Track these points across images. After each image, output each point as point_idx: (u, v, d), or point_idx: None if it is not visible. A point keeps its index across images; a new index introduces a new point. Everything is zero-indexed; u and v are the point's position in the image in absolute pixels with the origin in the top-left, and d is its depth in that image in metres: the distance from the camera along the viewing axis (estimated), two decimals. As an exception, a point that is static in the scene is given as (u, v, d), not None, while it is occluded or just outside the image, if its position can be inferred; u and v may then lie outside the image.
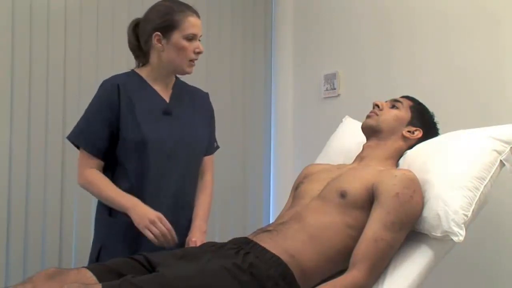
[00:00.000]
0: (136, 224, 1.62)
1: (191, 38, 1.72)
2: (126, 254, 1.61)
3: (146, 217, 1.61)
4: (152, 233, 1.60)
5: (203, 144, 1.88)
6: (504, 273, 1.80)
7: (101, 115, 1.73)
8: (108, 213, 1.75)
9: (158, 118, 1.76)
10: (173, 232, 1.63)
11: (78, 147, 1.77)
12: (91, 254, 1.80)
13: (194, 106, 1.87)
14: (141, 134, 1.70)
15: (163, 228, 1.60)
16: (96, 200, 1.82)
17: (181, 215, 1.79)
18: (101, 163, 1.75)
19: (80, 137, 1.75)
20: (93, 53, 2.60)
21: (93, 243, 1.82)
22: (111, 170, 1.76)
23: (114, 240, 1.73)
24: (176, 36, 1.70)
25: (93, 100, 1.77)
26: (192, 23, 1.72)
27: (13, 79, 2.42)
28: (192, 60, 1.75)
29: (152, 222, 1.60)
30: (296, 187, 1.73)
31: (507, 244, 1.80)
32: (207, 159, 1.92)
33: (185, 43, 1.71)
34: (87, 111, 1.77)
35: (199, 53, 1.75)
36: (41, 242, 2.46)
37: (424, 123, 1.71)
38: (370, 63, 2.49)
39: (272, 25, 3.19)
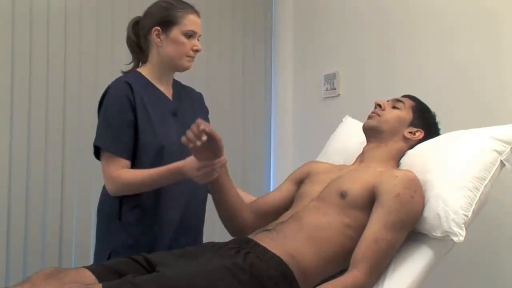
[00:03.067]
0: (193, 177, 1.55)
1: (190, 35, 1.73)
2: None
3: (192, 175, 1.54)
4: (204, 178, 1.54)
5: None
6: (504, 273, 1.80)
7: (123, 116, 1.67)
8: (118, 218, 1.71)
9: (168, 120, 1.76)
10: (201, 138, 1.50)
11: (97, 155, 1.72)
12: (99, 257, 1.74)
13: (193, 106, 1.88)
14: (158, 139, 1.70)
15: (207, 169, 1.52)
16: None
17: (193, 215, 1.79)
18: (129, 163, 1.69)
19: (110, 143, 1.67)
20: (93, 53, 2.60)
21: (100, 250, 1.76)
22: None
23: (126, 243, 1.69)
24: (175, 32, 1.71)
25: (109, 103, 1.70)
26: (192, 21, 1.73)
27: (13, 79, 2.42)
28: (189, 56, 1.75)
29: (197, 176, 1.53)
30: (298, 186, 1.73)
31: (507, 244, 1.80)
32: None
33: (183, 39, 1.72)
34: (107, 115, 1.69)
35: (197, 51, 1.75)
36: (41, 242, 2.46)
37: (426, 124, 1.70)
38: (370, 63, 2.49)
39: (272, 25, 3.19)
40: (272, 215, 1.67)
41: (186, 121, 1.79)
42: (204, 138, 1.41)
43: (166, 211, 1.72)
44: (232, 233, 1.72)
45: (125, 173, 1.65)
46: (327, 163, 1.81)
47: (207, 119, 1.95)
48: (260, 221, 1.68)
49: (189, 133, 1.43)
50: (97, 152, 1.73)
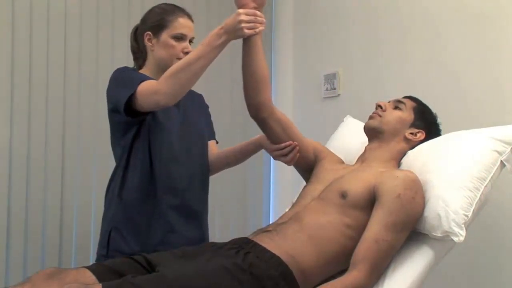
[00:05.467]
0: (235, 29, 1.54)
1: (179, 37, 1.77)
2: (135, 237, 1.69)
3: (235, 23, 1.53)
4: (248, 27, 1.54)
5: (205, 130, 1.94)
6: (504, 273, 1.80)
7: (136, 72, 1.76)
8: (118, 194, 1.75)
9: (171, 109, 1.78)
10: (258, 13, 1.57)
11: (127, 110, 1.65)
12: (102, 237, 1.79)
13: (192, 101, 1.92)
14: (158, 121, 1.74)
15: (249, 16, 1.54)
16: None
17: (193, 200, 1.81)
18: None
19: (135, 84, 1.61)
20: (93, 53, 2.60)
21: (102, 226, 1.81)
22: (126, 160, 1.76)
23: (123, 222, 1.74)
24: (165, 35, 1.77)
25: (119, 70, 1.76)
26: (181, 24, 1.78)
27: (13, 79, 2.42)
28: (180, 59, 1.75)
29: (240, 21, 1.53)
30: (314, 156, 1.76)
31: (507, 244, 1.80)
32: (212, 144, 1.96)
33: (173, 42, 1.77)
34: (119, 76, 1.72)
35: (187, 53, 1.77)
36: (41, 242, 2.46)
37: (427, 125, 1.70)
38: (370, 63, 2.49)
39: (272, 25, 3.19)
40: (285, 131, 1.71)
41: (186, 112, 1.85)
42: None
43: (163, 194, 1.74)
44: (250, 106, 1.71)
45: (160, 79, 1.58)
46: (335, 158, 1.79)
47: (208, 114, 2.01)
48: (275, 121, 1.70)
49: None
50: (126, 109, 1.65)
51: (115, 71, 1.78)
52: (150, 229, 1.73)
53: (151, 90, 1.58)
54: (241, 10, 1.53)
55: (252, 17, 1.53)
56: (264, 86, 1.68)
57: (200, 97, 2.02)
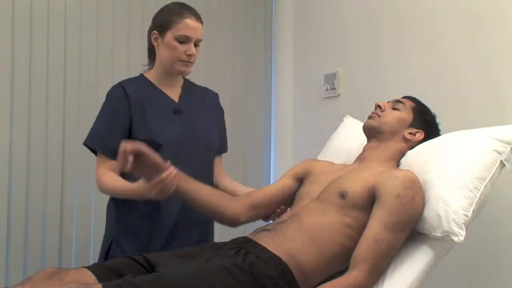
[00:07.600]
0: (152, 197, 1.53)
1: (183, 40, 1.73)
2: (135, 249, 1.68)
3: (148, 195, 1.52)
4: (161, 195, 1.51)
5: (215, 142, 1.90)
6: (504, 273, 1.80)
7: (114, 120, 1.75)
8: (118, 201, 1.77)
9: (169, 118, 1.78)
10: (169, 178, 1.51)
11: (94, 152, 1.79)
12: (102, 246, 1.82)
13: (204, 105, 1.89)
14: (151, 134, 1.72)
15: (158, 186, 1.48)
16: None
17: (192, 214, 1.79)
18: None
19: (97, 142, 1.76)
20: (93, 53, 2.60)
21: (104, 237, 1.83)
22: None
23: (124, 234, 1.75)
24: (169, 36, 1.74)
25: (104, 107, 1.80)
26: (186, 25, 1.73)
27: (13, 79, 2.42)
28: (183, 61, 1.75)
29: (151, 193, 1.50)
30: (297, 182, 1.74)
31: (506, 244, 1.80)
32: (218, 162, 1.93)
33: (176, 43, 1.73)
34: (100, 117, 1.79)
35: (190, 55, 1.75)
36: (41, 242, 2.46)
37: (426, 125, 1.70)
38: (370, 63, 2.49)
39: (272, 25, 3.19)
40: (266, 206, 1.72)
41: (194, 120, 1.83)
42: (131, 158, 1.38)
43: (164, 201, 1.72)
44: (224, 224, 1.71)
45: (104, 177, 1.71)
46: (327, 161, 1.81)
47: (218, 119, 1.96)
48: (253, 211, 1.70)
49: (118, 160, 1.40)
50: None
51: (106, 96, 1.81)
52: (151, 237, 1.73)
53: (96, 176, 1.74)
54: (149, 186, 1.47)
55: (160, 186, 1.47)
56: (223, 206, 1.65)
57: (215, 97, 1.97)
